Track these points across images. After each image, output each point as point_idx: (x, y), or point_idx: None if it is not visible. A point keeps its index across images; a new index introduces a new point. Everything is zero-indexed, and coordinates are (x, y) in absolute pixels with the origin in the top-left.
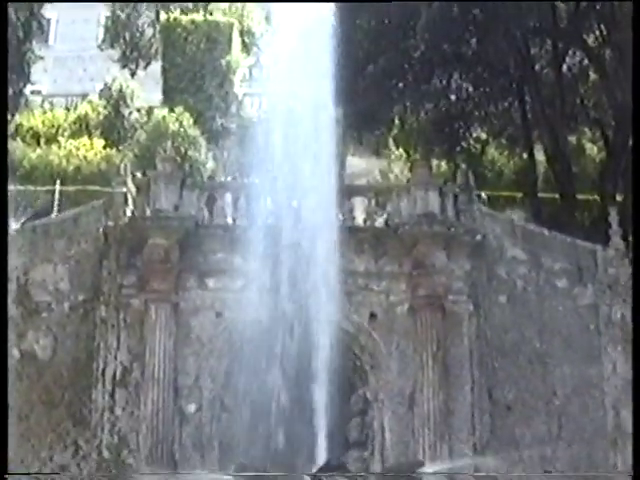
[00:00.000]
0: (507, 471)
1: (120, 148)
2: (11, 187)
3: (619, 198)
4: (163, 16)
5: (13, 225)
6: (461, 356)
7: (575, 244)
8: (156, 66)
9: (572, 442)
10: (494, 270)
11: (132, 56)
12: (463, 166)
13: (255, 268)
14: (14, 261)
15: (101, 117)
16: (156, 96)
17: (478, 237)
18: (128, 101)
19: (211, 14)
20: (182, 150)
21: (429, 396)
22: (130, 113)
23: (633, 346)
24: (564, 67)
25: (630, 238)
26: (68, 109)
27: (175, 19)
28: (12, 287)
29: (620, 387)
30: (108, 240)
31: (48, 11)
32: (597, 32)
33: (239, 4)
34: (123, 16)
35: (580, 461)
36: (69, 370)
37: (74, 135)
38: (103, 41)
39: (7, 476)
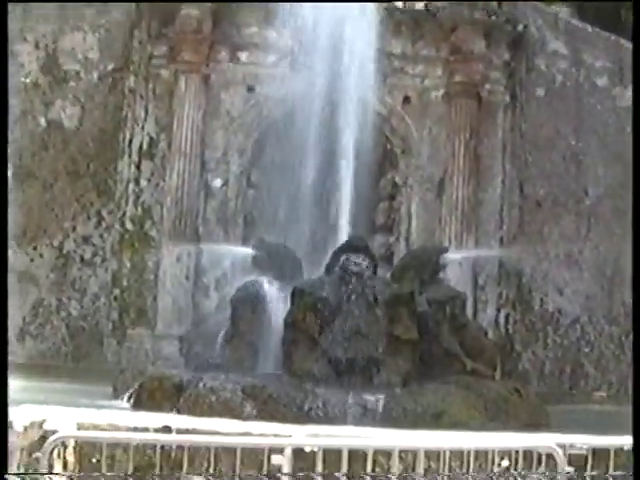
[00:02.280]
0: (532, 267)
1: None
2: None
3: None
4: None
5: None
6: (494, 147)
7: (619, 43)
8: None
9: (600, 244)
10: (533, 62)
11: None
12: None
13: (289, 44)
14: (43, 28)
15: None
16: None
17: (519, 27)
18: None
19: None
20: None
21: (459, 185)
22: None
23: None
24: None
25: None
26: None
27: None
28: (40, 54)
29: None
30: (140, 9)
31: None
32: None
33: None
34: None
35: (606, 264)
36: (95, 141)
37: None
38: None
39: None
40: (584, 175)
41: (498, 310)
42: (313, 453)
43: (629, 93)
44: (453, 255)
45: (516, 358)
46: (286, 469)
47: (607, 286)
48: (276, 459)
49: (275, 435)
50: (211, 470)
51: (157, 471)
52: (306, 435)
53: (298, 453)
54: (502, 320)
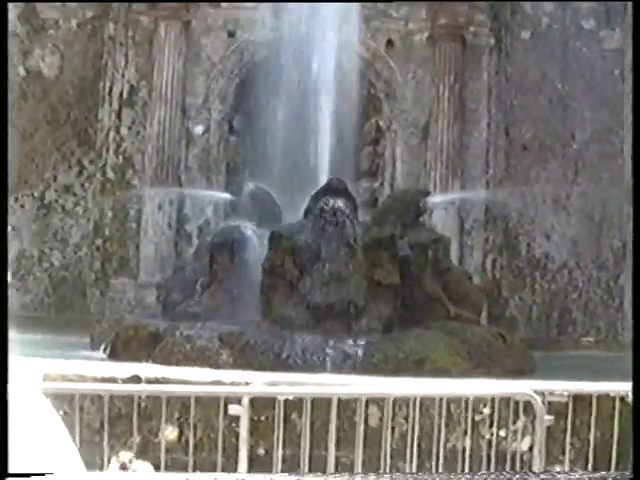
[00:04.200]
0: (519, 211)
1: None
2: None
3: None
4: None
5: None
6: (479, 91)
7: None
8: None
9: (587, 188)
10: (519, 4)
11: None
12: None
13: None
14: None
15: None
16: None
17: None
18: None
19: None
20: None
21: (443, 129)
22: None
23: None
24: None
25: None
26: None
27: None
28: (18, 3)
29: None
30: None
31: None
32: None
33: None
34: None
35: (594, 209)
36: (75, 89)
37: None
38: None
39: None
40: (571, 119)
41: (485, 255)
42: (275, 401)
43: (616, 35)
44: (437, 198)
45: (503, 304)
46: (244, 419)
47: (595, 231)
48: (233, 409)
49: (247, 383)
50: (182, 420)
51: (126, 422)
52: (265, 383)
53: (260, 401)
54: (489, 265)
